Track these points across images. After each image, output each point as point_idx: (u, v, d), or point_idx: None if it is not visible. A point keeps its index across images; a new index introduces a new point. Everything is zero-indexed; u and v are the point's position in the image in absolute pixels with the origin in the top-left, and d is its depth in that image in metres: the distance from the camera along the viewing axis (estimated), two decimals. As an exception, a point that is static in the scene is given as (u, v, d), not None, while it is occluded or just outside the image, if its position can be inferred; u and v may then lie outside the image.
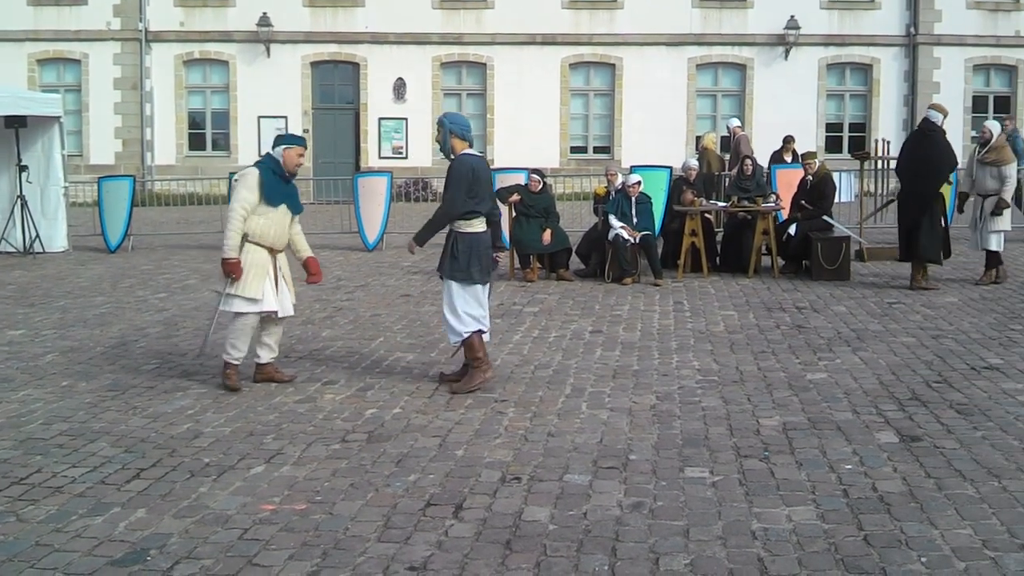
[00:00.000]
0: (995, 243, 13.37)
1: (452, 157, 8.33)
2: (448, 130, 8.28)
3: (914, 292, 12.72)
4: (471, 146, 8.41)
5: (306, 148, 8.65)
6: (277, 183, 8.36)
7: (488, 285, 8.49)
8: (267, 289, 8.35)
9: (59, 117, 18.75)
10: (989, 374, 8.59)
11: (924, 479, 6.05)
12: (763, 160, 18.95)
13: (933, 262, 13.06)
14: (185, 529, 5.45)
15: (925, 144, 12.88)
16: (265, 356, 8.65)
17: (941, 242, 12.92)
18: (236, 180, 8.41)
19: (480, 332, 8.36)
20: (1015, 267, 14.86)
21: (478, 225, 8.30)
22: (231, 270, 8.19)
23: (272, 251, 8.41)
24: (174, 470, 6.43)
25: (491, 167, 8.74)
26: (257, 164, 8.47)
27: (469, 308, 8.31)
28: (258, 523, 5.53)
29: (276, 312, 8.47)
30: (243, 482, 6.20)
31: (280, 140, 8.54)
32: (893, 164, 14.84)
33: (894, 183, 16.30)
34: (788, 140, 20.60)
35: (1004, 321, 10.84)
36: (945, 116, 13.05)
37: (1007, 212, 13.33)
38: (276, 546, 5.21)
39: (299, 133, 7.92)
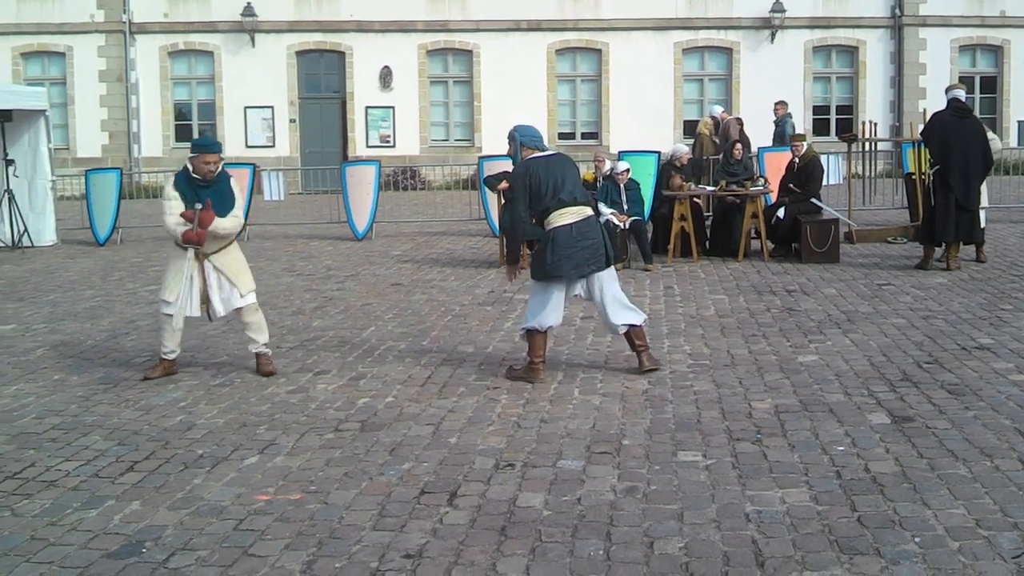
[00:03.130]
0: (984, 220, 13.46)
1: None
2: (519, 143, 8.24)
3: (903, 273, 12.75)
4: (542, 152, 8.27)
5: (217, 152, 8.51)
6: (188, 189, 8.35)
7: (582, 281, 8.24)
8: (181, 293, 8.40)
9: (45, 110, 18.70)
10: (980, 354, 8.61)
11: (916, 459, 6.07)
12: (754, 142, 18.98)
13: (976, 242, 13.26)
14: (180, 521, 5.45)
15: (968, 126, 12.81)
16: (251, 347, 8.72)
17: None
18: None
19: (538, 331, 8.17)
20: (1004, 247, 14.89)
21: (557, 219, 8.05)
22: (192, 239, 8.30)
23: (199, 256, 8.42)
24: (168, 462, 6.43)
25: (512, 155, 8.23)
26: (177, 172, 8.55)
27: (533, 305, 8.24)
28: (253, 514, 5.53)
29: (209, 316, 8.61)
30: (237, 473, 6.20)
31: (192, 146, 8.55)
32: (871, 144, 14.82)
33: (882, 165, 16.26)
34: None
35: (994, 301, 10.86)
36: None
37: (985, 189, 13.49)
38: (271, 536, 5.22)
39: (214, 138, 7.75)
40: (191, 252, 8.37)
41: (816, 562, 4.74)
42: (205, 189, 8.34)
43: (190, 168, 8.40)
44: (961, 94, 13.07)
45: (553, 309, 8.20)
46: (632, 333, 8.30)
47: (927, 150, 13.16)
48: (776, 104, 22.28)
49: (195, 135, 31.47)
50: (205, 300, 8.48)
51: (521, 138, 8.28)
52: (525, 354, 8.38)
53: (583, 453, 6.38)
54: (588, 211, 8.23)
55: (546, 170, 8.11)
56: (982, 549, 4.82)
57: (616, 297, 8.29)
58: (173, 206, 8.34)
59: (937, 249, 13.16)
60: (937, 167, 12.70)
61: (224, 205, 8.39)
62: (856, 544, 4.91)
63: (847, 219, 16.06)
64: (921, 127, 13.52)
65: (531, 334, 8.20)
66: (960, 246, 13.04)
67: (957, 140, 12.58)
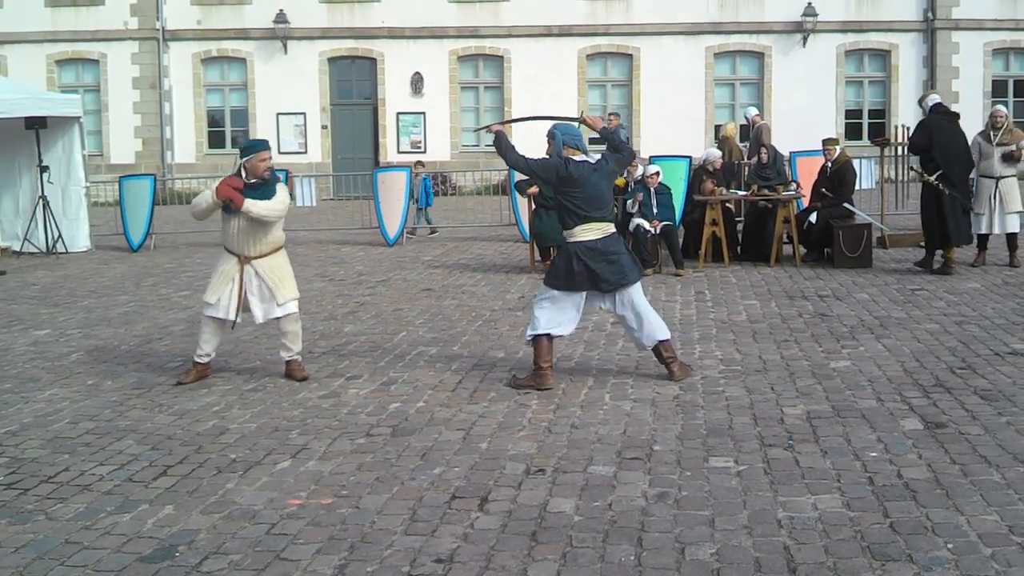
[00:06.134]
0: (1018, 224, 13.39)
1: None
2: (561, 141, 8.16)
3: (935, 278, 12.66)
4: (585, 155, 8.20)
5: (269, 149, 8.53)
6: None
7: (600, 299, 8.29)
8: (223, 296, 8.44)
9: (79, 117, 18.83)
10: (1013, 359, 8.55)
11: (949, 465, 6.04)
12: (787, 147, 18.85)
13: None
14: (213, 525, 5.48)
15: (959, 128, 13.07)
16: (283, 354, 8.74)
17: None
18: None
19: (549, 336, 8.14)
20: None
21: (581, 234, 8.07)
22: (223, 193, 8.23)
23: (241, 259, 8.45)
24: (201, 466, 6.47)
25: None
26: None
27: (543, 311, 8.16)
28: (285, 518, 5.56)
29: (234, 322, 8.55)
30: (269, 477, 6.23)
31: (242, 152, 8.46)
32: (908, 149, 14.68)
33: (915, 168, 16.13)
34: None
35: (1028, 306, 10.79)
36: None
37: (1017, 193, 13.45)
38: (304, 540, 5.24)
39: (261, 138, 7.85)
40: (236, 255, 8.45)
41: (848, 568, 4.72)
42: (254, 191, 8.30)
43: (244, 173, 8.35)
44: (938, 98, 13.45)
45: (567, 318, 8.20)
46: (660, 347, 8.27)
47: (924, 156, 13.17)
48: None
49: (228, 141, 31.69)
50: (241, 306, 8.52)
51: (563, 136, 8.18)
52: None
53: (614, 459, 6.37)
54: (611, 228, 8.23)
55: (587, 178, 8.04)
56: (1015, 556, 4.79)
57: (644, 314, 8.25)
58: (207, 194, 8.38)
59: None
60: (940, 171, 12.75)
61: (267, 196, 8.35)
62: (888, 550, 4.89)
63: (880, 224, 15.98)
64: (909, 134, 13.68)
65: (537, 340, 8.15)
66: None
67: (953, 144, 12.85)
